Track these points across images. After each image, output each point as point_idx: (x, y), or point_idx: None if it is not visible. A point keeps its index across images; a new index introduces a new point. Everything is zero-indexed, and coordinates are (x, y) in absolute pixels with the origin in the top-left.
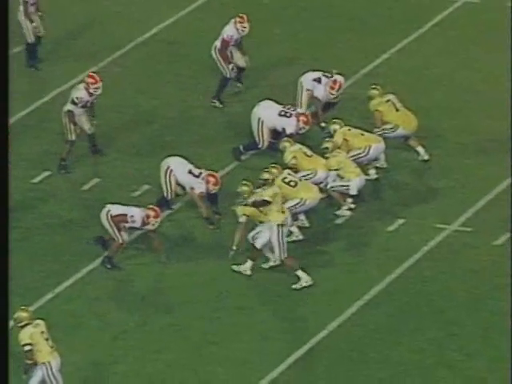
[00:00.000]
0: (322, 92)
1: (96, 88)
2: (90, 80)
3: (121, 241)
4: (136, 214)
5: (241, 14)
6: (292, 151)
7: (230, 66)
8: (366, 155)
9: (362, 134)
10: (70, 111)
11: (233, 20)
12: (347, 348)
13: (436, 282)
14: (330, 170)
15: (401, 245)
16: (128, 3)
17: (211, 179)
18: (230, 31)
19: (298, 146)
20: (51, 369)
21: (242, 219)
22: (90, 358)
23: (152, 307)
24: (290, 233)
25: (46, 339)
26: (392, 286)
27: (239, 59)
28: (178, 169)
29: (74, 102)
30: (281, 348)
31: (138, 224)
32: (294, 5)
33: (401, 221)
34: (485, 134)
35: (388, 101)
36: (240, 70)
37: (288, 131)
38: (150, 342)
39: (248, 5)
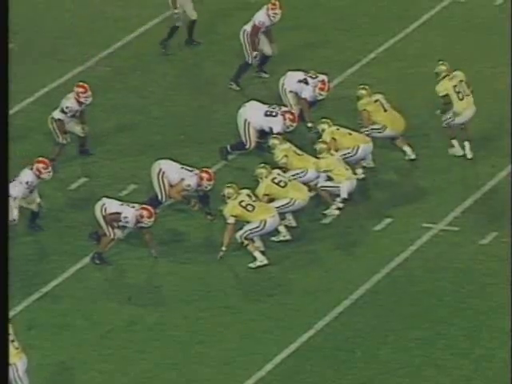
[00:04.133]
0: (310, 93)
1: (86, 97)
2: (80, 89)
3: (112, 236)
4: (129, 214)
5: (273, 1)
6: (283, 149)
7: (254, 54)
8: (354, 155)
9: (350, 134)
10: (59, 120)
11: (265, 6)
12: (334, 347)
13: (423, 282)
14: (319, 171)
15: (388, 244)
16: (115, 2)
17: (205, 175)
18: (261, 17)
19: (288, 144)
20: (17, 371)
21: (231, 220)
22: (78, 357)
23: (139, 306)
24: (278, 232)
25: (12, 341)
26: (379, 285)
27: (266, 46)
28: (170, 168)
29: (63, 111)
30: (267, 347)
31: (131, 224)
32: (280, 4)
33: (388, 220)
34: (472, 133)
35: (376, 101)
36: (265, 58)
37: (275, 130)
38: (137, 341)
39: (234, 4)
